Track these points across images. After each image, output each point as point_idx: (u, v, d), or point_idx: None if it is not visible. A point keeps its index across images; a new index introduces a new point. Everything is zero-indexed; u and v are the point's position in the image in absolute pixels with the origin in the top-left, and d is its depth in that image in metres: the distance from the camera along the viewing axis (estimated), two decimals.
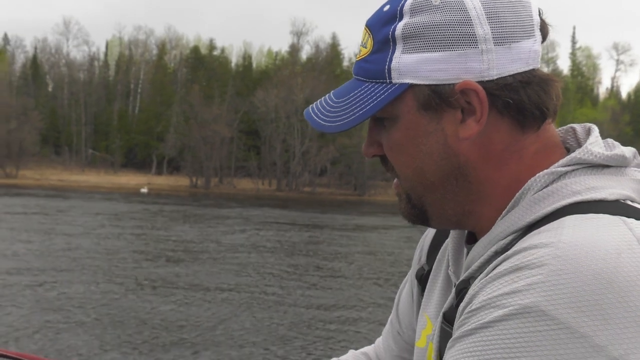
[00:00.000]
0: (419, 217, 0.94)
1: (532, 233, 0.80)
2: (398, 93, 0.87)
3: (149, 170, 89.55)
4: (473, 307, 0.77)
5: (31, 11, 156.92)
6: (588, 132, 0.94)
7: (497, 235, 0.86)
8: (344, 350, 1.22)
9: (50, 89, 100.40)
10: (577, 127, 0.96)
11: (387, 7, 0.89)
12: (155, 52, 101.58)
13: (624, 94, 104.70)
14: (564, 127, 0.97)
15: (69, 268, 14.66)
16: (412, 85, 0.87)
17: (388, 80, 0.87)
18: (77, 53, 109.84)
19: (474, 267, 0.89)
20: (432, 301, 1.06)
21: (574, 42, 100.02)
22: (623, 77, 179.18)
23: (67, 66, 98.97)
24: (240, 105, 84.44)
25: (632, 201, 0.83)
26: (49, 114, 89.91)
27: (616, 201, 0.82)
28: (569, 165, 0.86)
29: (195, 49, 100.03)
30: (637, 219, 0.79)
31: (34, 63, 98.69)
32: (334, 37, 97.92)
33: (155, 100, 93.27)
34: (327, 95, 0.93)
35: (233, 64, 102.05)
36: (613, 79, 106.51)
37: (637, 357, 0.69)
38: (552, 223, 0.80)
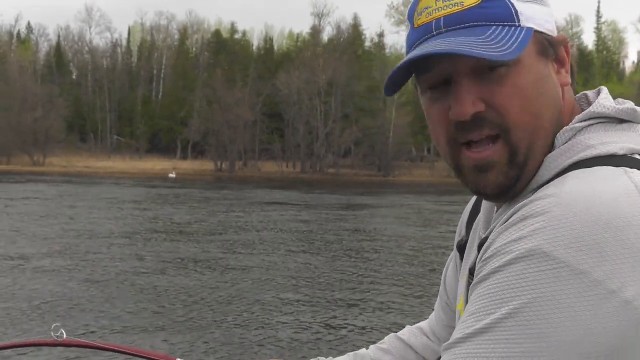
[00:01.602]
0: (514, 180, 0.94)
1: (542, 187, 0.87)
2: (531, 34, 0.92)
3: (173, 155, 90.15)
4: (487, 255, 0.84)
5: None
6: (598, 93, 1.02)
7: (522, 193, 0.94)
8: (380, 330, 1.33)
9: (74, 77, 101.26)
10: (589, 92, 1.05)
11: None
12: (177, 37, 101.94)
13: None
14: (577, 95, 1.05)
15: (106, 250, 14.91)
16: (535, 31, 0.93)
17: (517, 23, 0.92)
18: (99, 40, 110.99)
19: (495, 223, 0.96)
20: (467, 265, 1.12)
21: (598, 16, 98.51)
22: None
23: (90, 53, 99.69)
24: (263, 88, 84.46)
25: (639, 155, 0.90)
26: (74, 101, 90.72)
27: (624, 155, 0.88)
28: (585, 120, 0.94)
29: (217, 33, 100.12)
30: None
31: (58, 51, 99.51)
32: (355, 18, 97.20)
33: (177, 85, 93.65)
34: (448, 38, 0.91)
35: (254, 47, 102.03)
36: (639, 52, 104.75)
37: (633, 289, 0.75)
38: (558, 178, 0.87)
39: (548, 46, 0.95)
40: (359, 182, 64.96)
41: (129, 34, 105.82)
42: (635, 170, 0.84)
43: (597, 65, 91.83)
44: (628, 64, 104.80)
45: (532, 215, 0.80)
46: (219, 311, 9.72)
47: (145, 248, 15.81)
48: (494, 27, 0.91)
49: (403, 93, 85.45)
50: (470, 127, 0.92)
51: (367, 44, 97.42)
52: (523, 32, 0.91)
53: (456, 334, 0.82)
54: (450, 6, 0.93)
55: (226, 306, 10.08)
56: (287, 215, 25.92)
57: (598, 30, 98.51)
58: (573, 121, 0.95)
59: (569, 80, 0.98)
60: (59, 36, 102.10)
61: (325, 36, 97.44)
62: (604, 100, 0.96)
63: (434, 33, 0.94)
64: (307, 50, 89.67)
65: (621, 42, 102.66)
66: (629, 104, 0.96)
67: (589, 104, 1.02)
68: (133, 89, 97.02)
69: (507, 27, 0.91)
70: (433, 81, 0.95)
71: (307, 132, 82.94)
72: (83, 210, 25.41)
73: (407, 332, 1.45)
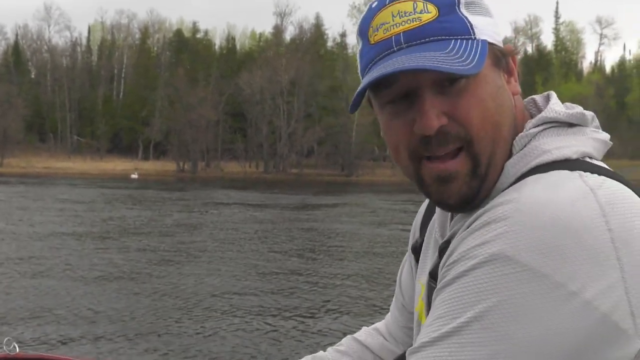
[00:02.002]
0: (476, 190, 0.95)
1: (502, 193, 0.90)
2: (487, 46, 0.94)
3: (135, 155, 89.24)
4: (451, 261, 0.87)
5: None
6: (547, 98, 1.05)
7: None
8: (335, 332, 1.33)
9: (32, 76, 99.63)
10: (537, 97, 1.07)
11: None
12: (138, 36, 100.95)
13: (607, 68, 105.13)
14: (526, 99, 1.07)
15: (64, 253, 14.72)
16: (489, 43, 0.95)
17: (473, 37, 0.94)
18: (59, 39, 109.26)
19: (455, 228, 0.98)
20: (424, 268, 1.14)
21: (557, 17, 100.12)
22: (607, 51, 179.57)
23: (49, 52, 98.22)
24: (225, 88, 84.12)
25: (591, 158, 0.94)
26: (33, 100, 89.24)
27: (577, 159, 0.91)
28: (538, 125, 0.97)
29: (179, 32, 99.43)
30: (595, 173, 0.88)
31: (16, 50, 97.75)
32: (317, 18, 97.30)
33: (139, 85, 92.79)
34: (412, 54, 0.91)
35: (217, 47, 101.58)
36: (597, 53, 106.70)
37: (593, 290, 0.77)
38: (517, 183, 0.90)
39: (500, 57, 0.97)
40: (322, 182, 65.05)
41: (89, 32, 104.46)
42: (589, 174, 0.86)
43: (556, 65, 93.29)
44: (586, 64, 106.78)
45: (494, 221, 0.82)
46: (169, 317, 9.66)
47: (96, 252, 15.62)
48: (454, 41, 0.92)
49: None
50: (435, 141, 0.93)
51: (330, 43, 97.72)
52: (480, 44, 0.92)
53: (422, 338, 0.83)
54: (409, 21, 0.93)
55: (176, 312, 10.02)
56: (243, 216, 25.85)
57: (557, 30, 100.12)
58: (526, 127, 0.97)
59: (519, 89, 1.00)
60: (17, 35, 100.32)
61: (287, 36, 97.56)
62: (555, 105, 0.99)
63: (395, 49, 0.93)
64: (270, 50, 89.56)
65: (579, 42, 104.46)
66: (578, 109, 1.00)
67: (538, 108, 1.04)
68: (94, 88, 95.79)
69: (465, 41, 0.93)
70: (393, 96, 0.95)
71: (270, 131, 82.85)
72: (35, 213, 24.99)
73: (364, 334, 1.47)
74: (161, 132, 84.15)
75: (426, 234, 1.20)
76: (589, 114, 1.00)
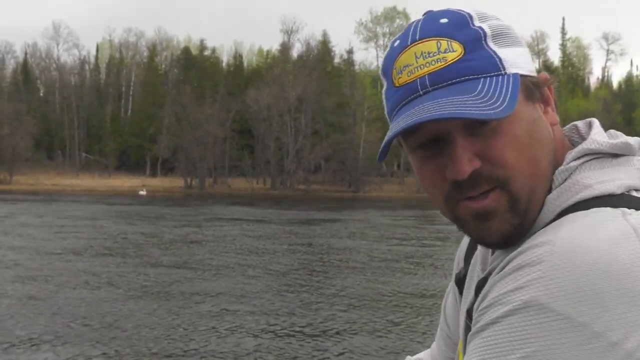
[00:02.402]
0: (518, 227, 0.90)
1: (537, 233, 0.84)
2: (518, 81, 0.88)
3: (142, 172, 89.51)
4: (484, 305, 0.82)
5: (20, 16, 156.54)
6: (589, 126, 0.99)
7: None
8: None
9: (41, 94, 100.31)
10: (579, 123, 1.02)
11: (445, 19, 0.92)
12: (145, 54, 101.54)
13: (614, 84, 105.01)
14: (567, 126, 1.03)
15: (70, 271, 14.72)
16: (521, 76, 0.90)
17: (503, 72, 0.89)
18: (67, 57, 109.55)
19: (493, 265, 0.93)
20: (465, 302, 1.09)
21: (563, 33, 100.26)
22: (614, 67, 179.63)
23: (57, 70, 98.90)
24: (232, 105, 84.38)
25: (638, 190, 0.87)
26: (41, 118, 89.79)
27: (622, 194, 0.85)
28: (579, 158, 0.91)
29: (186, 50, 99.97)
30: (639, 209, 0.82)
31: (25, 68, 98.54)
32: (324, 35, 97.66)
33: (147, 102, 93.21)
34: (439, 99, 0.87)
35: (224, 64, 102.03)
36: (604, 68, 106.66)
37: (635, 340, 0.73)
38: (554, 222, 0.85)
39: (533, 88, 0.92)
40: (329, 198, 65.04)
41: (97, 50, 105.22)
42: (633, 212, 0.82)
43: (563, 81, 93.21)
44: (593, 80, 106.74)
45: (528, 265, 0.79)
46: (172, 338, 9.64)
47: (102, 267, 15.63)
48: (482, 79, 0.88)
49: (373, 110, 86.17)
50: (468, 184, 0.89)
51: (337, 60, 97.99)
52: (511, 80, 0.88)
53: None
54: (433, 62, 0.89)
55: (177, 332, 9.99)
56: (246, 231, 25.84)
57: (563, 47, 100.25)
58: (567, 159, 0.92)
59: (557, 118, 0.96)
60: (26, 53, 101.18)
61: (294, 53, 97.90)
62: (597, 135, 0.94)
63: (420, 93, 0.89)
64: (277, 67, 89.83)
65: (586, 58, 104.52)
66: (622, 138, 0.94)
67: (580, 136, 0.99)
68: (102, 106, 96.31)
69: (494, 78, 0.88)
70: (422, 141, 0.91)
71: (277, 148, 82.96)
72: (40, 229, 25.05)
73: None
74: (168, 149, 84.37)
75: (470, 266, 1.15)
76: (636, 141, 0.94)
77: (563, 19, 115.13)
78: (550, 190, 0.90)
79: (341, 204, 52.38)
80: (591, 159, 0.91)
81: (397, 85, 0.93)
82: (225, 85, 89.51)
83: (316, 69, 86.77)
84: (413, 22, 0.95)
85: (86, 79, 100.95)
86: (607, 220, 0.80)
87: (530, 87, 0.92)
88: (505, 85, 0.87)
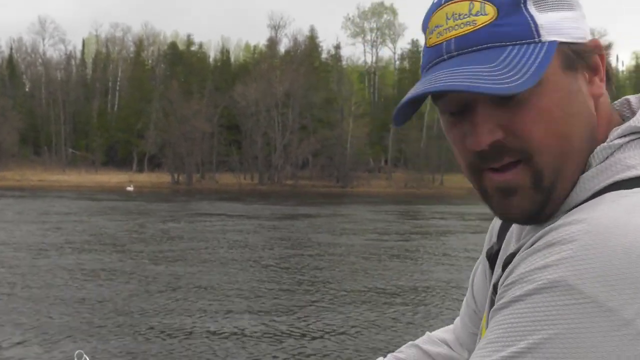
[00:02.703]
0: (541, 205, 0.87)
1: (573, 210, 0.82)
2: (553, 50, 0.83)
3: (129, 167, 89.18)
4: (509, 281, 0.79)
5: (5, 11, 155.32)
6: None
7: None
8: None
9: (27, 89, 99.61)
10: (632, 98, 0.97)
11: None
12: (132, 49, 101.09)
13: None
14: (619, 100, 0.98)
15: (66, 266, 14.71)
16: (559, 44, 0.85)
17: (537, 39, 0.84)
18: (53, 52, 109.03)
19: (523, 241, 0.91)
20: (495, 276, 1.06)
21: None
22: None
23: (43, 65, 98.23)
24: (220, 100, 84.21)
25: None
26: (27, 114, 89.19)
27: None
28: (624, 136, 0.86)
29: (173, 45, 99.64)
30: None
31: (10, 63, 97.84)
32: (311, 30, 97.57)
33: (134, 97, 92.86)
34: (459, 67, 0.83)
35: (211, 59, 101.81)
36: None
37: None
38: (592, 200, 0.81)
39: (576, 57, 0.87)
40: (317, 194, 65.12)
41: (83, 46, 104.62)
42: None
43: None
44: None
45: (559, 242, 0.76)
46: (156, 327, 9.67)
47: (84, 261, 15.63)
48: (510, 48, 0.83)
49: (360, 105, 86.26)
50: (489, 155, 0.86)
51: (324, 55, 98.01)
52: (544, 49, 0.83)
53: None
54: (462, 25, 0.86)
55: (165, 324, 10.02)
56: (232, 227, 25.86)
57: None
58: (610, 137, 0.87)
59: (602, 90, 0.90)
60: (11, 48, 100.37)
61: (282, 48, 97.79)
62: None
63: (445, 57, 0.87)
64: (264, 62, 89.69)
65: None
66: None
67: (632, 111, 0.95)
68: (88, 101, 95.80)
69: (525, 46, 0.83)
70: (451, 107, 0.89)
71: (264, 143, 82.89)
72: (22, 225, 24.98)
73: (426, 340, 1.36)
74: (156, 145, 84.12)
75: (504, 241, 1.10)
76: None
77: None
78: (587, 168, 0.86)
79: (328, 200, 52.48)
80: (635, 138, 0.86)
81: (428, 45, 0.91)
82: (213, 80, 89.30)
83: (303, 64, 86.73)
84: None
85: (72, 74, 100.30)
86: None
87: (571, 56, 0.86)
88: (534, 55, 0.82)
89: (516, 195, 0.87)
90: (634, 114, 0.93)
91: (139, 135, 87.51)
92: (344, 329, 9.56)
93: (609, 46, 0.90)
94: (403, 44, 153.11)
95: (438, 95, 0.88)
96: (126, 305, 10.87)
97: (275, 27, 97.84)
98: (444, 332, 1.37)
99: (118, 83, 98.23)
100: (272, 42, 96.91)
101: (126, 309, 10.59)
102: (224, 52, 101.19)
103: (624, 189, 0.80)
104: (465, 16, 0.86)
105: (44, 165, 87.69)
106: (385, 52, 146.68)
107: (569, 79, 0.86)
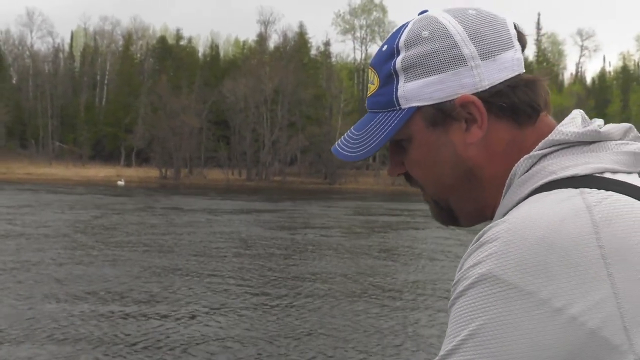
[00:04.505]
0: (449, 217, 1.07)
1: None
2: (408, 116, 0.99)
3: (117, 162, 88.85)
4: (454, 281, 0.90)
5: None
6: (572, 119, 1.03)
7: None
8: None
9: (14, 82, 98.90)
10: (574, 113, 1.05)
11: (385, 46, 1.02)
12: (121, 42, 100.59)
13: (588, 80, 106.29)
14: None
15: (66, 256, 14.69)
16: (418, 108, 0.99)
17: (397, 107, 0.99)
18: (41, 45, 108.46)
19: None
20: None
21: (538, 28, 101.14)
22: (587, 63, 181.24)
23: (31, 58, 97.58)
24: (209, 96, 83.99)
25: (612, 172, 0.91)
26: (14, 107, 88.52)
27: (586, 176, 0.90)
28: (545, 148, 0.95)
29: (162, 39, 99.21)
30: (604, 188, 0.87)
31: None
32: (301, 26, 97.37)
33: (122, 91, 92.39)
34: (348, 131, 1.05)
35: (200, 54, 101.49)
36: (577, 64, 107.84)
37: (579, 306, 0.78)
38: (518, 204, 0.92)
39: (442, 115, 0.99)
40: (304, 190, 65.13)
41: (71, 39, 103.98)
42: (594, 190, 0.86)
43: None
44: (567, 76, 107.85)
45: (487, 242, 0.85)
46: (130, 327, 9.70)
47: (67, 253, 15.63)
48: (380, 114, 1.02)
49: (349, 102, 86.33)
50: (407, 179, 1.07)
51: (314, 52, 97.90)
52: (401, 115, 0.99)
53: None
54: (369, 89, 1.05)
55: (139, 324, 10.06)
56: (214, 222, 25.88)
57: (538, 42, 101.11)
58: (534, 149, 0.96)
59: (479, 135, 0.99)
60: None
61: (271, 44, 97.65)
62: (564, 126, 0.97)
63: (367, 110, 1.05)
64: (254, 58, 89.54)
65: (560, 54, 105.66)
66: (591, 126, 0.96)
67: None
68: (76, 94, 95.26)
69: (389, 113, 1.00)
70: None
71: (253, 139, 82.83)
72: (19, 216, 24.90)
73: None
74: (144, 139, 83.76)
75: None
76: (616, 128, 0.98)
77: (538, 14, 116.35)
78: (512, 178, 0.96)
79: (315, 196, 52.51)
80: (560, 148, 0.95)
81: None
82: (202, 75, 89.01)
83: (293, 61, 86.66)
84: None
85: (60, 67, 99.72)
86: (563, 199, 0.85)
87: (435, 115, 0.99)
88: (394, 120, 1.00)
89: (431, 208, 1.08)
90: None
91: (127, 130, 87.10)
92: (323, 329, 9.63)
93: (472, 100, 0.97)
94: None
95: None
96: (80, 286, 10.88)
97: (265, 23, 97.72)
98: None
99: (106, 77, 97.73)
100: (262, 38, 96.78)
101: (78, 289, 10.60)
102: (214, 47, 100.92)
103: (545, 191, 0.89)
104: (370, 82, 1.05)
105: (31, 158, 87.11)
106: (375, 50, 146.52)
107: (435, 134, 1.00)
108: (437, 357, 0.87)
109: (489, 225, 0.89)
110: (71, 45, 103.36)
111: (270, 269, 14.58)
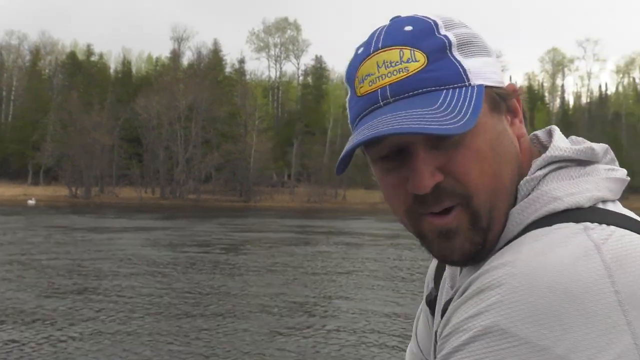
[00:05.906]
0: (480, 245, 0.88)
1: (500, 251, 0.83)
2: (482, 93, 0.86)
3: (24, 180, 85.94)
4: (446, 332, 0.80)
5: None
6: (549, 133, 0.98)
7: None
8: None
9: None
10: (539, 133, 1.00)
11: (409, 27, 0.90)
12: (28, 57, 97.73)
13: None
14: (529, 136, 1.00)
15: None
16: (486, 87, 0.88)
17: (467, 83, 0.87)
18: None
19: (459, 284, 0.91)
20: (436, 323, 1.07)
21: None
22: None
23: None
24: (121, 112, 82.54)
25: (605, 201, 0.86)
26: None
27: (590, 207, 0.84)
28: (544, 167, 0.89)
29: (72, 55, 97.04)
30: (604, 222, 0.80)
31: None
32: (215, 43, 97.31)
33: (30, 108, 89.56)
34: (398, 111, 0.84)
35: (112, 70, 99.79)
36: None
37: None
38: (517, 239, 0.83)
39: (499, 100, 0.90)
40: (220, 208, 64.77)
41: None
42: (596, 226, 0.79)
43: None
44: None
45: (488, 288, 0.76)
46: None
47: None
48: (444, 91, 0.86)
49: (264, 119, 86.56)
50: (431, 199, 0.86)
51: (228, 69, 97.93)
52: (475, 92, 0.85)
53: None
54: (395, 72, 0.87)
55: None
56: (123, 240, 25.54)
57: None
58: (531, 170, 0.89)
59: (524, 130, 0.94)
60: None
61: (185, 61, 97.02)
62: (559, 141, 0.92)
63: (381, 104, 0.87)
64: (167, 75, 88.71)
65: None
66: (586, 144, 0.93)
67: (542, 145, 0.97)
68: None
69: (457, 90, 0.86)
70: (385, 152, 0.88)
71: (167, 157, 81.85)
72: None
73: None
74: (53, 157, 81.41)
75: (440, 285, 1.11)
76: (600, 147, 0.93)
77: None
78: (515, 202, 0.88)
79: (230, 213, 52.33)
80: (557, 168, 0.89)
81: (359, 94, 0.90)
82: (114, 92, 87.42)
83: (207, 78, 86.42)
84: (377, 29, 0.93)
85: None
86: (568, 237, 0.78)
87: (495, 99, 0.90)
88: (468, 98, 0.84)
89: (457, 238, 0.87)
90: (544, 147, 0.96)
91: (35, 147, 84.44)
92: (237, 344, 9.75)
93: (521, 91, 0.92)
94: (307, 60, 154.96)
95: (371, 143, 0.87)
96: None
97: (179, 40, 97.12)
98: None
99: (13, 92, 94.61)
100: (175, 55, 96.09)
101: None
102: (126, 64, 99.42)
103: (547, 224, 0.81)
104: (397, 63, 0.87)
105: None
106: (289, 67, 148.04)
107: (496, 120, 0.89)
108: None
109: (485, 267, 0.80)
110: None
111: (164, 287, 14.54)
